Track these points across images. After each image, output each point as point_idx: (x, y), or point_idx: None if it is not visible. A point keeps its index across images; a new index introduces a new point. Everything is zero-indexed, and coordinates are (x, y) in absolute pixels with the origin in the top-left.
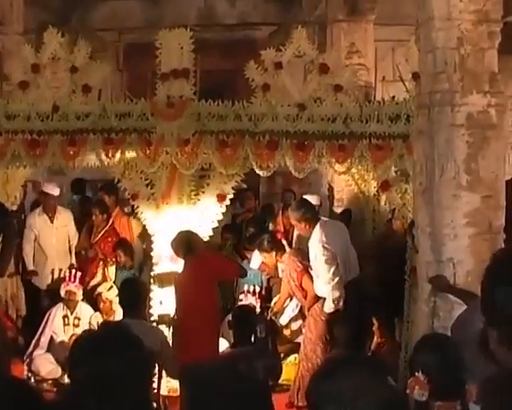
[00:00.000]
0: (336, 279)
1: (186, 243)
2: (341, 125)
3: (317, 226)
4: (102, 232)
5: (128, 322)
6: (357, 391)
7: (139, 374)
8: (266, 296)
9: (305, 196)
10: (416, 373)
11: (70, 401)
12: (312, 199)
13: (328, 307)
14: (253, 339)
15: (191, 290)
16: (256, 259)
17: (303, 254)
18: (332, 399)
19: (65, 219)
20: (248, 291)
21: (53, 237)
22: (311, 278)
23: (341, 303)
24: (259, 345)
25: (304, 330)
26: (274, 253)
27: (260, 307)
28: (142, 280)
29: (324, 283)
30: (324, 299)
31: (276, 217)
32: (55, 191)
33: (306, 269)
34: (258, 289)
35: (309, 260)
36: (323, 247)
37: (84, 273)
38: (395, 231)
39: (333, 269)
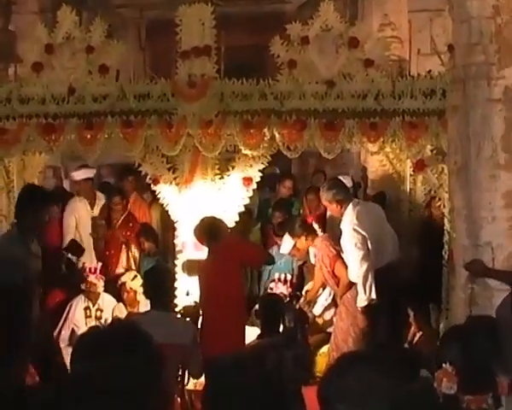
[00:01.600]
0: (365, 266)
1: (210, 230)
2: (372, 102)
3: (349, 207)
4: (122, 219)
5: (155, 315)
6: (368, 390)
7: (141, 375)
8: (298, 284)
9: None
10: (444, 365)
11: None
12: (345, 180)
13: (361, 299)
14: (281, 329)
15: (215, 279)
16: (287, 243)
17: (335, 238)
18: (342, 397)
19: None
20: (279, 279)
21: (91, 224)
22: (344, 264)
23: (373, 294)
24: (288, 335)
25: (335, 320)
26: (304, 237)
27: (289, 295)
28: (168, 268)
29: (354, 268)
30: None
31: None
32: (89, 173)
33: (339, 255)
34: (289, 277)
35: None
36: (354, 229)
37: (105, 262)
38: (433, 214)
39: (362, 254)
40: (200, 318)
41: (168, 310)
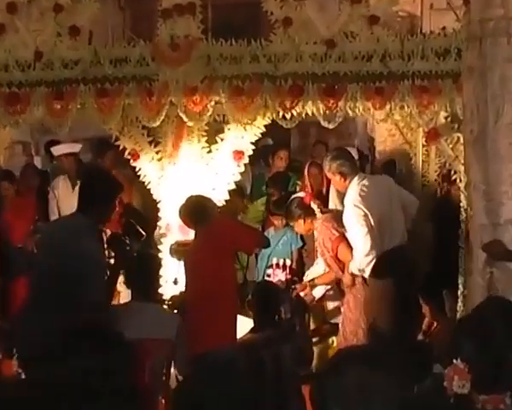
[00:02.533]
0: (369, 243)
1: (197, 211)
2: (378, 63)
3: (354, 181)
4: None
5: (136, 306)
6: (367, 391)
7: (112, 376)
8: (298, 270)
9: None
10: (455, 361)
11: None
12: (352, 151)
13: (353, 265)
14: (277, 321)
15: (203, 266)
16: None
17: (338, 218)
18: (337, 399)
19: None
20: (277, 265)
21: (73, 207)
22: (349, 246)
23: (368, 268)
24: (285, 327)
25: (342, 310)
26: (303, 220)
27: (287, 282)
28: (152, 253)
29: (358, 246)
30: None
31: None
32: (73, 148)
33: (344, 236)
34: (288, 262)
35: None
36: (355, 205)
37: None
38: (448, 189)
39: (365, 230)
40: (186, 309)
41: (151, 301)
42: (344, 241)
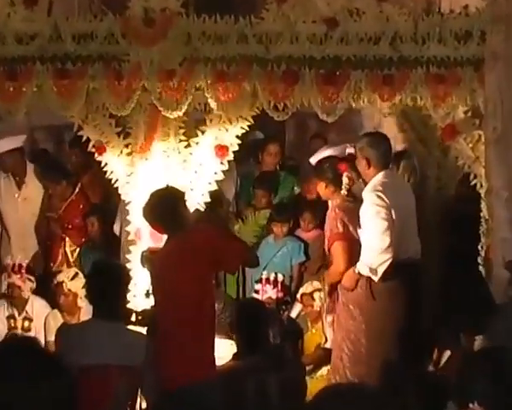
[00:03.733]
0: (387, 241)
1: (165, 208)
2: (388, 47)
3: (380, 175)
4: (67, 203)
5: (98, 325)
6: None
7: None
8: (296, 288)
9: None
10: (471, 405)
11: None
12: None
13: (361, 264)
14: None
15: (174, 282)
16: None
17: (355, 212)
18: None
19: (36, 190)
20: (267, 280)
21: (18, 208)
22: (346, 249)
23: (380, 272)
24: (273, 354)
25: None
26: (325, 184)
27: (277, 301)
28: (120, 264)
29: (372, 244)
30: (367, 279)
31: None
32: (16, 142)
33: (346, 236)
34: (280, 277)
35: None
36: (377, 196)
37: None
38: (467, 195)
39: (386, 225)
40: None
41: (116, 319)
42: (343, 241)
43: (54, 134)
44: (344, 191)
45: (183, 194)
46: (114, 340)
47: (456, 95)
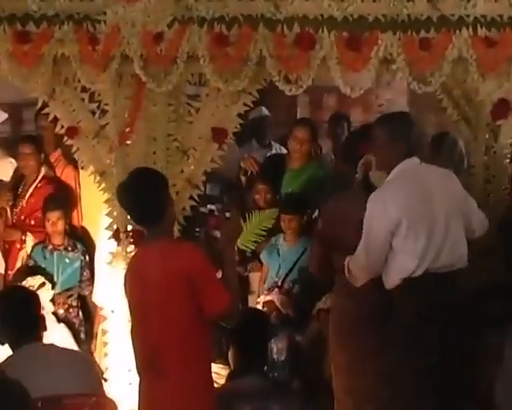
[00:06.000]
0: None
1: (152, 194)
2: (425, 4)
3: (402, 164)
4: (31, 190)
5: (38, 349)
6: None
7: None
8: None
9: None
10: None
11: None
12: None
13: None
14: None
15: (153, 299)
16: None
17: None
18: None
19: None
20: (275, 283)
21: None
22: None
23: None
24: (276, 376)
25: None
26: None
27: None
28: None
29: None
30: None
31: None
32: None
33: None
34: (296, 289)
35: None
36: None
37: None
38: None
39: (380, 236)
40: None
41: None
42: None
43: (11, 113)
44: (359, 177)
45: (167, 180)
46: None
47: (509, 62)
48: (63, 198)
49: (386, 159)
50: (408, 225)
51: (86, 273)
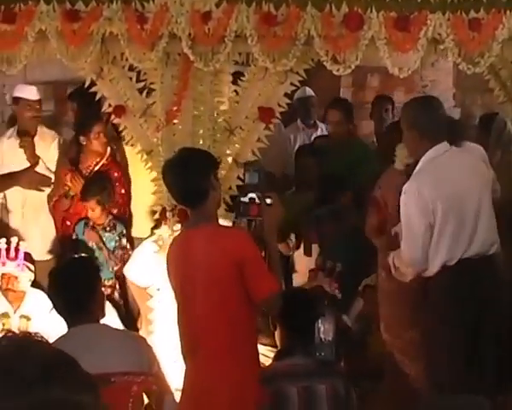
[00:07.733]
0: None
1: (199, 174)
2: None
3: (433, 149)
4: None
5: (87, 330)
6: None
7: None
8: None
9: None
10: None
11: None
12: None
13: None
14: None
15: (199, 283)
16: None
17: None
18: None
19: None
20: (322, 266)
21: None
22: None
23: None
24: (323, 355)
25: None
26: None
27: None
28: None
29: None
30: None
31: None
32: (32, 94)
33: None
34: (339, 266)
35: None
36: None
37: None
38: None
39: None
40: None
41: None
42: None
43: (56, 92)
44: (398, 164)
45: (216, 163)
46: (111, 342)
47: None
48: (99, 184)
49: (410, 146)
50: (443, 209)
51: (117, 253)
